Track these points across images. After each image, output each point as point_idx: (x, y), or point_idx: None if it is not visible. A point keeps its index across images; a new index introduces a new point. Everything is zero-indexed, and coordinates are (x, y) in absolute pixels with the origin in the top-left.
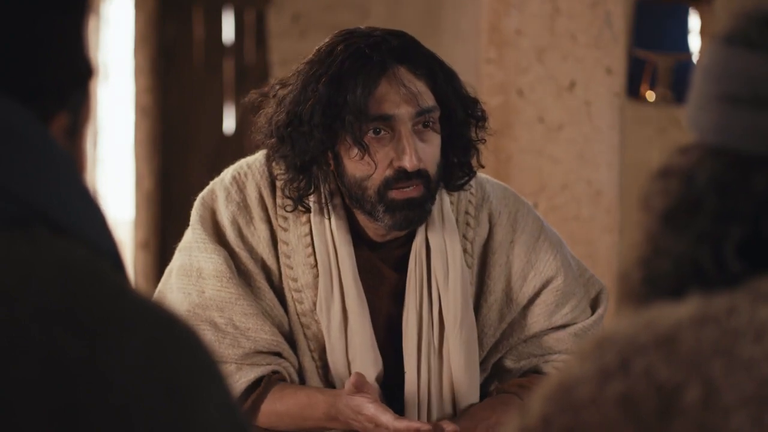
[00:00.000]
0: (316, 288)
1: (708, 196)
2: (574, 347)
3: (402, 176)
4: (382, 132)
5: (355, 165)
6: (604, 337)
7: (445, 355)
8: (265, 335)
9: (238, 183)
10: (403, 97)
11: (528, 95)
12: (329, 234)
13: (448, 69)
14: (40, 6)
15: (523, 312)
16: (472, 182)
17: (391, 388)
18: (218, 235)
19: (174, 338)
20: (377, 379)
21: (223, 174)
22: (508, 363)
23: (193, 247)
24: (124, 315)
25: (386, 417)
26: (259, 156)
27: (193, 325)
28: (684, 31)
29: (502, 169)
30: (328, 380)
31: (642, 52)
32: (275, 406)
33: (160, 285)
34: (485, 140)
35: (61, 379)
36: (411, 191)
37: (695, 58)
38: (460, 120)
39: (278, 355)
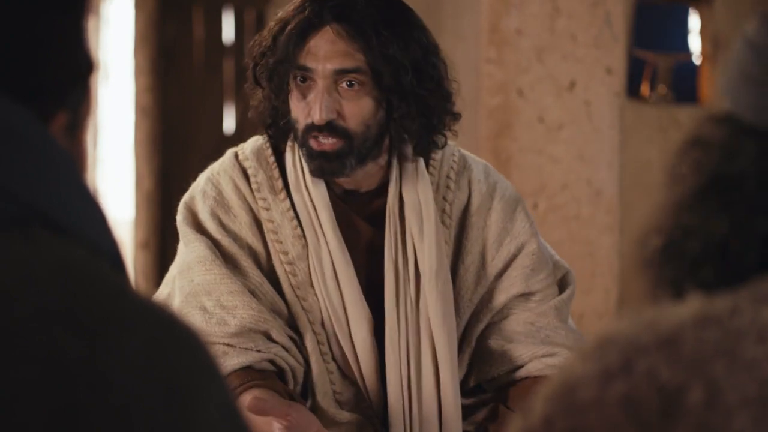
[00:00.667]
0: (307, 259)
1: (747, 180)
2: (557, 322)
3: (314, 128)
4: (308, 81)
5: (291, 106)
6: (606, 338)
7: (422, 308)
8: (251, 311)
9: (213, 182)
10: (326, 53)
11: (528, 95)
12: (305, 191)
13: (393, 35)
14: (39, 5)
15: (500, 277)
16: (455, 152)
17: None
18: (200, 231)
19: (174, 338)
20: (370, 331)
21: (198, 179)
22: (492, 344)
23: (182, 246)
24: (124, 315)
25: None
26: (228, 154)
27: (185, 315)
28: (684, 31)
29: (501, 168)
30: (332, 354)
31: (642, 52)
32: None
33: (162, 287)
34: (448, 114)
35: (61, 379)
36: (326, 145)
37: (695, 59)
38: (386, 85)
39: (267, 336)
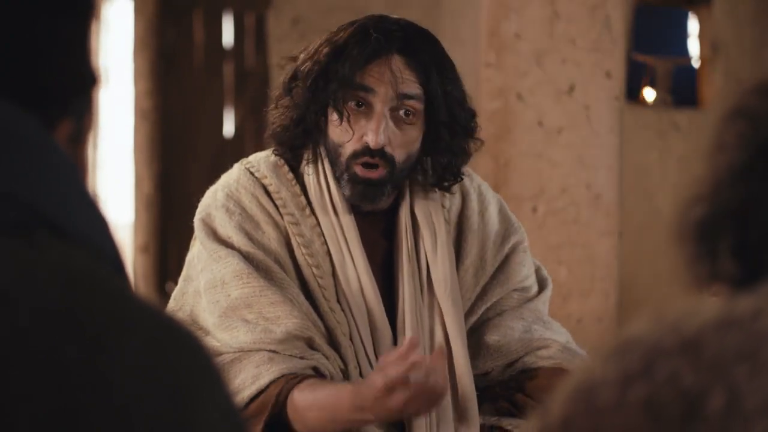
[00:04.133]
0: (333, 276)
1: None
2: (544, 317)
3: (366, 152)
4: (363, 106)
5: (334, 129)
6: (627, 340)
7: (436, 317)
8: (295, 319)
9: (234, 198)
10: (388, 77)
11: (527, 99)
12: (331, 211)
13: (448, 74)
14: (45, 12)
15: (496, 274)
16: None
17: None
18: (229, 246)
19: (174, 340)
20: (391, 348)
21: (210, 196)
22: (489, 340)
23: (210, 262)
24: (124, 317)
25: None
26: (240, 171)
27: (227, 329)
28: (683, 35)
29: (501, 172)
30: (360, 370)
31: (641, 56)
32: (306, 397)
33: (172, 303)
34: (470, 153)
35: (60, 380)
36: (371, 172)
37: (694, 62)
38: (442, 122)
39: (310, 343)
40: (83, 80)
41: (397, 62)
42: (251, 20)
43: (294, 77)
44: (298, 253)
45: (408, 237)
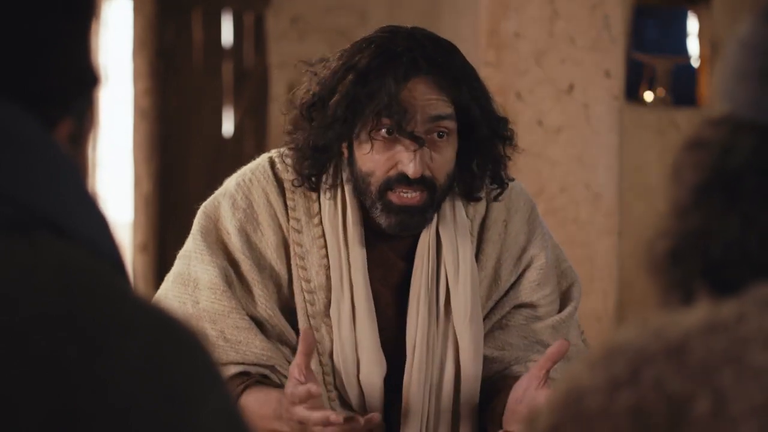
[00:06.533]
0: (329, 290)
1: (748, 174)
2: (551, 342)
3: (403, 181)
4: (395, 133)
5: (363, 159)
6: (614, 346)
7: (451, 348)
8: (255, 349)
9: (243, 190)
10: (421, 102)
11: (527, 98)
12: (341, 230)
13: (476, 85)
14: (45, 11)
15: (508, 291)
16: None
17: (397, 388)
18: (221, 244)
19: (174, 342)
20: (381, 376)
21: (226, 183)
22: (486, 352)
23: (192, 257)
24: (124, 318)
25: (306, 413)
26: (262, 161)
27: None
28: (683, 34)
29: None
30: (335, 385)
31: (641, 55)
32: (246, 402)
33: (159, 291)
34: (510, 157)
35: (59, 382)
36: (410, 198)
37: (694, 61)
38: (483, 136)
39: (271, 369)
40: (84, 80)
41: (428, 82)
42: (250, 19)
43: (313, 104)
44: (293, 262)
45: (429, 260)
